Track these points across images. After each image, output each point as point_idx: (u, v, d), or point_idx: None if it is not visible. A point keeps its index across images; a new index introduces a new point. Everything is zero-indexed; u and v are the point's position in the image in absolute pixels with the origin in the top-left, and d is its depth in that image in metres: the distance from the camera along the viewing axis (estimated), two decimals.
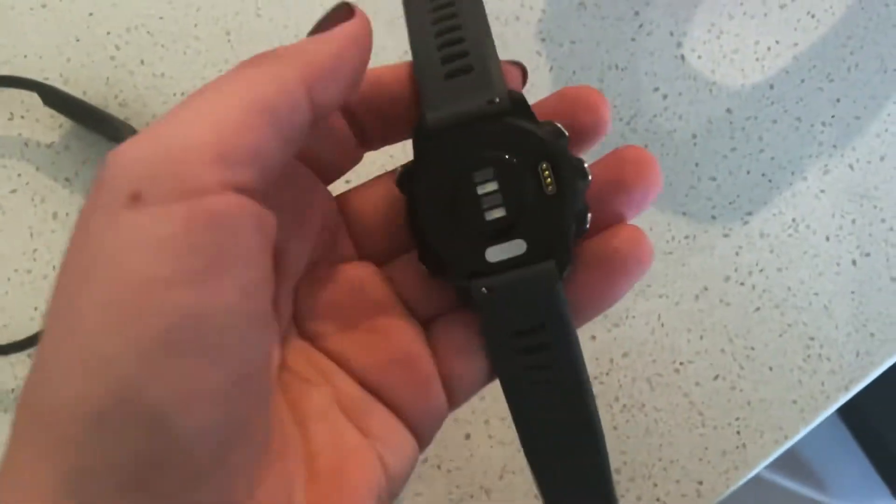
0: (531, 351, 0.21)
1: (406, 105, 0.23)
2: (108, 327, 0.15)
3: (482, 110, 0.21)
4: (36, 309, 0.35)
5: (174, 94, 0.37)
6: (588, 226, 0.22)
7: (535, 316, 0.21)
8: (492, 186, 0.21)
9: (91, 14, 0.37)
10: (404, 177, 0.22)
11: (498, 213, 0.21)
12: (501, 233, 0.21)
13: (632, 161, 0.22)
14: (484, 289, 0.21)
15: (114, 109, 0.36)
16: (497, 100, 0.21)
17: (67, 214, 0.36)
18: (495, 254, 0.21)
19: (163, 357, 0.15)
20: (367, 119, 0.23)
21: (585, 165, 0.21)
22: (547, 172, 0.21)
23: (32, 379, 0.16)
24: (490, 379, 0.23)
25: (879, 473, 0.76)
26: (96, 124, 0.35)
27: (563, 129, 0.22)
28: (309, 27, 0.38)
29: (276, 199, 0.19)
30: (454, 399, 0.22)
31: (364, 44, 0.20)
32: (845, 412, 0.78)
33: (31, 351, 0.35)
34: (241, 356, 0.17)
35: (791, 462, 0.82)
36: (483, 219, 0.21)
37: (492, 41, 0.22)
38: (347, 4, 0.21)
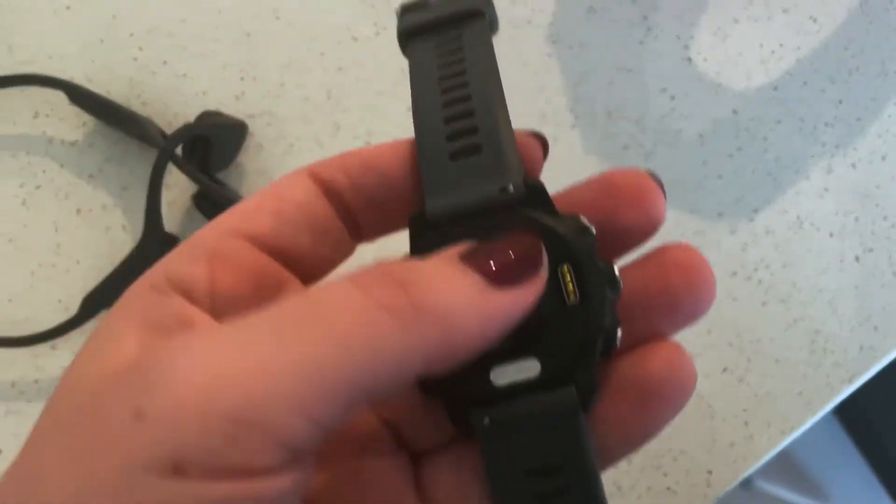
0: (544, 498, 0.17)
1: (405, 190, 0.19)
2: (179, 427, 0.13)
3: (492, 200, 0.18)
4: (60, 301, 0.36)
5: (195, 94, 0.38)
6: (619, 344, 0.18)
7: (550, 456, 0.17)
8: None
9: (114, 16, 0.38)
10: None
11: None
12: (511, 350, 0.17)
13: (680, 265, 0.18)
14: (487, 420, 0.17)
15: (137, 108, 0.37)
16: (510, 187, 0.18)
17: (91, 210, 0.37)
18: (503, 375, 0.17)
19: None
20: (360, 208, 0.19)
21: (616, 271, 0.18)
22: (569, 278, 0.17)
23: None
24: None
25: (879, 477, 0.77)
26: (121, 122, 0.36)
27: (588, 224, 0.18)
28: (326, 31, 0.39)
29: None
30: None
31: (515, 321, 0.16)
32: (847, 416, 0.79)
33: (53, 342, 0.35)
34: None
35: (791, 472, 0.82)
36: None
37: (506, 113, 0.19)
38: (536, 248, 0.17)
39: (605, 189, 0.19)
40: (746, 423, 0.35)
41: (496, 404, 0.17)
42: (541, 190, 0.18)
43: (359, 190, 0.19)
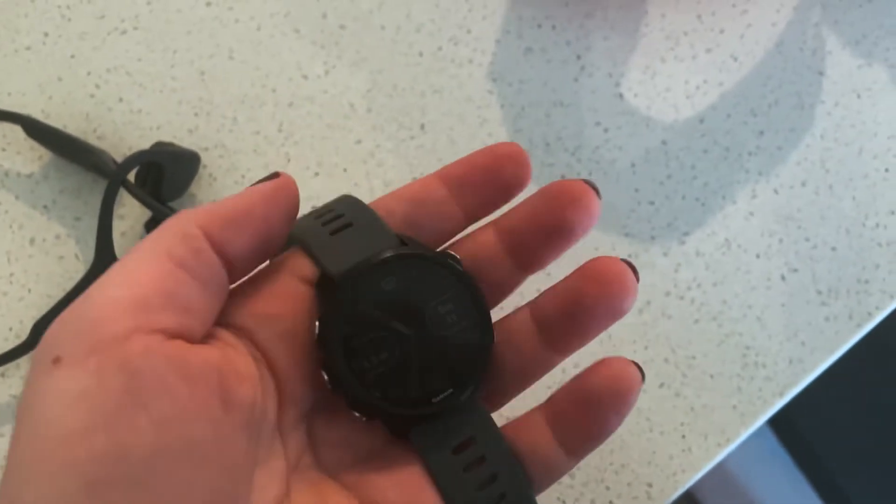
0: (471, 468, 0.23)
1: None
2: (34, 480, 0.17)
3: (380, 254, 0.23)
4: (10, 329, 0.36)
5: (150, 128, 0.39)
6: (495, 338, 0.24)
7: (466, 431, 0.23)
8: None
9: (73, 56, 0.40)
10: (322, 334, 0.22)
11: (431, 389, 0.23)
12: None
13: (595, 273, 0.25)
14: (423, 432, 0.23)
15: (92, 142, 0.39)
16: (391, 240, 0.23)
17: (45, 240, 0.38)
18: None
19: (87, 502, 0.17)
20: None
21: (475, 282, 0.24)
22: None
23: None
24: None
25: (816, 491, 0.78)
26: (75, 154, 0.37)
27: (456, 257, 0.24)
28: (278, 70, 0.40)
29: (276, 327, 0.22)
30: None
31: (278, 201, 0.22)
32: (782, 431, 0.80)
33: (2, 369, 0.36)
34: (176, 488, 0.18)
35: (733, 490, 0.83)
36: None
37: (364, 204, 0.25)
38: (275, 174, 0.24)
39: (551, 194, 0.25)
40: (684, 437, 0.37)
41: (427, 421, 0.23)
42: (413, 239, 0.23)
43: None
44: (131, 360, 0.18)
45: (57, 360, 0.18)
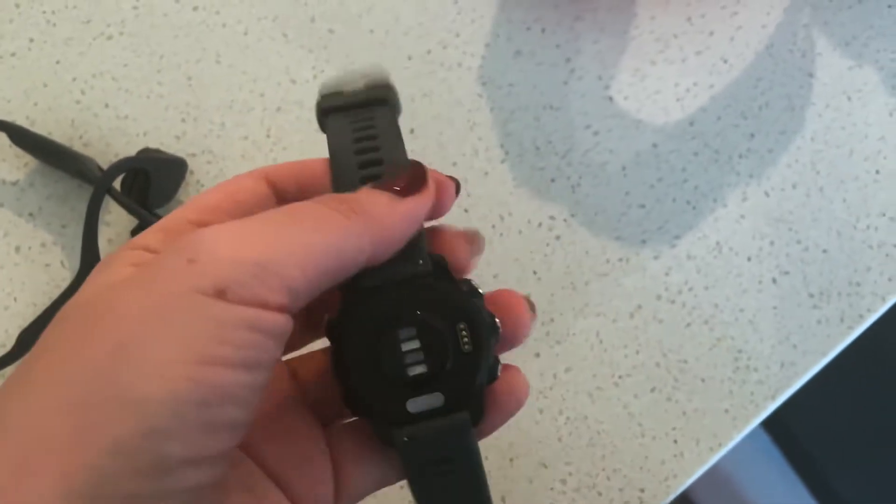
0: (442, 474, 0.23)
1: None
2: (158, 381, 0.17)
3: (407, 272, 0.23)
4: None
5: (136, 135, 0.39)
6: (499, 374, 0.24)
7: (448, 458, 0.23)
8: (414, 345, 0.23)
9: (58, 62, 0.40)
10: (332, 328, 0.23)
11: (419, 369, 0.23)
12: (421, 386, 0.23)
13: (504, 307, 0.25)
14: (406, 437, 0.23)
15: (78, 149, 0.38)
16: (420, 262, 0.23)
17: (30, 248, 0.37)
18: (416, 405, 0.23)
19: (193, 420, 0.18)
20: None
21: (497, 322, 0.24)
22: (464, 333, 0.23)
23: (28, 384, 0.18)
24: (378, 486, 0.25)
25: (810, 492, 0.79)
26: (61, 161, 0.37)
27: (477, 286, 0.24)
28: (266, 74, 0.40)
29: None
30: (341, 498, 0.24)
31: (420, 219, 0.23)
32: (776, 431, 0.80)
33: None
34: (242, 432, 0.19)
35: (727, 492, 0.83)
36: (406, 374, 0.23)
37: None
38: (422, 173, 0.23)
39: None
40: (676, 441, 0.36)
41: (412, 425, 0.23)
42: (442, 263, 0.24)
43: (305, 197, 0.23)
44: (275, 331, 0.19)
45: (221, 294, 0.18)
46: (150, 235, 0.22)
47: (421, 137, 0.40)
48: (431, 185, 0.23)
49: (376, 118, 0.25)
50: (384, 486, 0.25)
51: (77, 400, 0.17)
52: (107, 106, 0.39)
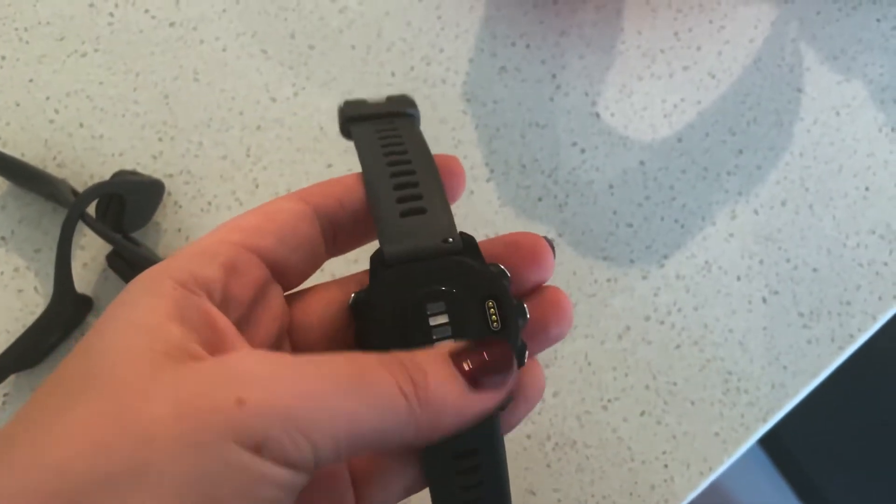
0: (464, 472, 0.22)
1: (366, 221, 0.24)
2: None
3: (438, 248, 0.22)
4: None
5: (112, 155, 0.38)
6: (526, 360, 0.23)
7: (471, 443, 0.22)
8: (443, 319, 0.22)
9: (31, 80, 0.38)
10: (359, 302, 0.22)
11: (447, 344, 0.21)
12: None
13: (551, 303, 0.24)
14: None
15: (52, 170, 0.37)
16: (450, 239, 0.22)
17: (2, 273, 0.36)
18: None
19: None
20: (343, 228, 0.24)
21: (525, 306, 0.23)
22: (493, 310, 0.22)
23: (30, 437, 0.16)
24: (399, 499, 0.23)
25: (788, 482, 0.79)
26: (33, 183, 0.36)
27: (505, 270, 0.23)
28: (245, 92, 0.39)
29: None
30: None
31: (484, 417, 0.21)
32: (771, 448, 0.80)
33: None
34: None
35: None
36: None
37: (442, 184, 0.24)
38: (509, 358, 0.21)
39: (510, 247, 0.24)
40: (666, 466, 0.36)
41: None
42: (473, 243, 0.23)
43: (346, 213, 0.23)
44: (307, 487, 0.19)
45: (258, 450, 0.17)
46: (193, 262, 0.21)
47: None
48: (514, 374, 0.21)
49: (400, 128, 0.25)
50: (406, 497, 0.23)
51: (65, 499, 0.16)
52: (81, 125, 0.38)
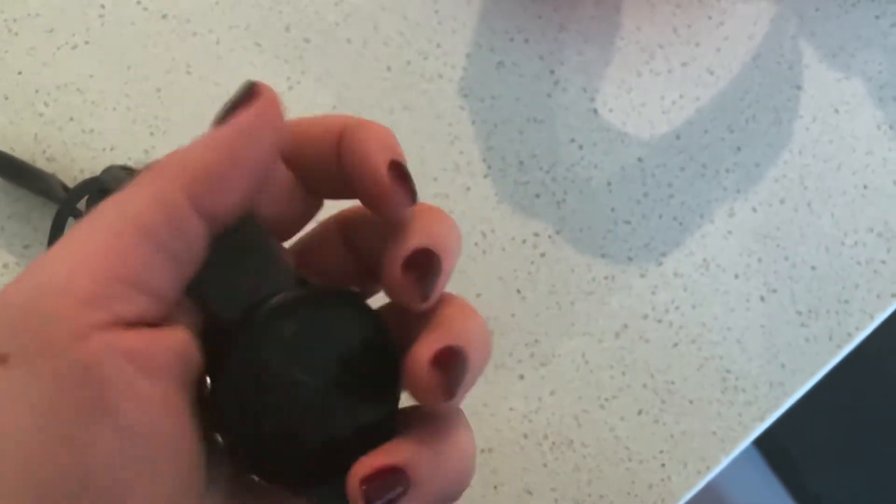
0: None
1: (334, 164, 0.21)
2: None
3: (279, 296, 0.20)
4: None
5: (103, 150, 0.37)
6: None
7: None
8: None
9: (20, 73, 0.38)
10: (215, 392, 0.19)
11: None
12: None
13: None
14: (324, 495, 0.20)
15: (42, 165, 0.37)
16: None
17: None
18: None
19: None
20: (307, 174, 0.22)
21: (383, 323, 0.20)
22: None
23: None
24: None
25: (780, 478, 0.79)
26: (23, 179, 0.35)
27: (355, 290, 0.22)
28: (237, 85, 0.39)
29: None
30: None
31: (262, 131, 0.19)
32: (767, 450, 0.81)
33: None
34: (143, 492, 0.16)
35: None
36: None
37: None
38: (251, 86, 0.19)
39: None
40: (663, 465, 0.36)
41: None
42: (308, 280, 0.21)
43: (301, 160, 0.21)
44: (92, 362, 0.16)
45: (3, 360, 0.16)
46: (149, 211, 0.18)
47: None
48: (262, 94, 0.19)
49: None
50: None
51: None
52: (72, 119, 0.37)
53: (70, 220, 0.32)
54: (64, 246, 0.17)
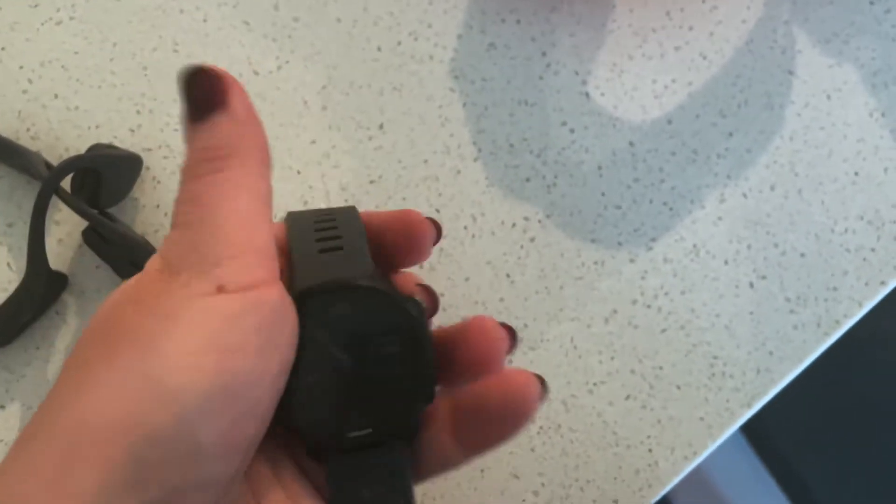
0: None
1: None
2: (186, 371, 0.18)
3: (351, 278, 0.23)
4: None
5: (88, 128, 0.37)
6: (435, 395, 0.23)
7: (379, 483, 0.22)
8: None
9: (3, 48, 0.37)
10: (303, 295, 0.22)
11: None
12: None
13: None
14: (336, 461, 0.22)
15: (25, 142, 0.36)
16: (365, 268, 0.23)
17: None
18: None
19: (221, 405, 0.19)
20: None
21: (433, 345, 0.23)
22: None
23: (65, 395, 0.19)
24: None
25: (788, 497, 0.79)
26: (5, 156, 0.35)
27: (421, 302, 0.23)
28: (227, 65, 0.38)
29: None
30: None
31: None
32: (754, 437, 0.81)
33: None
34: (265, 422, 0.21)
35: (707, 494, 0.84)
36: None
37: (364, 232, 0.25)
38: (209, 74, 0.21)
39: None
40: (651, 450, 0.36)
41: (345, 454, 0.23)
42: (386, 277, 0.24)
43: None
44: (275, 305, 0.21)
45: (221, 288, 0.20)
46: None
47: (390, 133, 0.38)
48: (229, 81, 0.22)
49: (338, 213, 0.26)
50: None
51: (114, 397, 0.18)
52: (56, 96, 0.37)
53: (53, 197, 0.31)
54: (231, 214, 0.21)
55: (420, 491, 0.35)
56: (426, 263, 0.37)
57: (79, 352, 0.20)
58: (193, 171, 0.21)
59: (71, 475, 0.17)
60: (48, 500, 0.17)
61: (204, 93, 0.21)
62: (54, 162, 0.35)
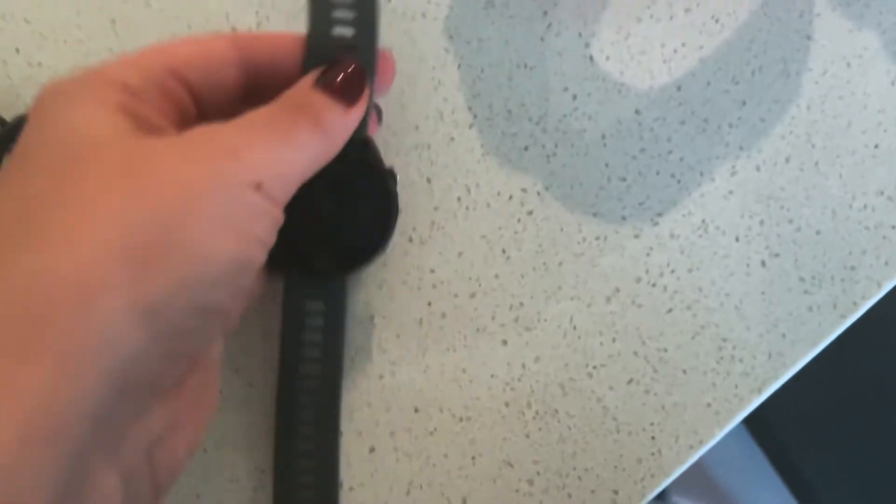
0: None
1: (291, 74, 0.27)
2: (225, 246, 0.21)
3: None
4: None
5: None
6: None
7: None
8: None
9: None
10: None
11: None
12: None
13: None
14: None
15: None
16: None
17: None
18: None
19: (235, 282, 0.22)
20: (260, 86, 0.27)
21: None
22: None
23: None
24: None
25: (791, 491, 0.77)
26: None
27: (397, 175, 0.30)
28: (203, 20, 0.35)
29: None
30: None
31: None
32: (756, 429, 0.79)
33: None
34: (248, 303, 0.26)
35: (706, 488, 0.82)
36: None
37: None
38: (362, 81, 0.26)
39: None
40: (654, 438, 0.33)
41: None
42: (373, 144, 0.29)
43: (274, 71, 0.27)
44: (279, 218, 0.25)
45: (259, 186, 0.22)
46: (124, 70, 0.23)
47: (380, 97, 0.35)
48: (367, 92, 0.27)
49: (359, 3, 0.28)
50: None
51: (144, 240, 0.19)
52: (18, 51, 0.34)
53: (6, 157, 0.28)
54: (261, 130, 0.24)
55: (406, 479, 0.33)
56: (416, 237, 0.35)
57: (58, 170, 0.21)
58: (297, 112, 0.24)
59: (96, 299, 0.18)
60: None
61: (354, 85, 0.26)
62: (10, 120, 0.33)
